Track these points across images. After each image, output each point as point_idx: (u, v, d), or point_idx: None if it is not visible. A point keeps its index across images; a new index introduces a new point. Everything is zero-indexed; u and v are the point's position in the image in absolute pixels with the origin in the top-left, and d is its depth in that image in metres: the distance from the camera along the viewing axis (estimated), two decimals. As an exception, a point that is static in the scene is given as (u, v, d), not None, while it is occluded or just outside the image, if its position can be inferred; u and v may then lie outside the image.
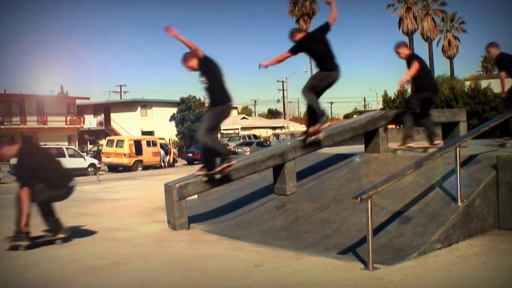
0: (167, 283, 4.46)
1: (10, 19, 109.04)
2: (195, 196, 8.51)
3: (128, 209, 9.40)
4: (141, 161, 29.80)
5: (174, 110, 46.19)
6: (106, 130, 50.42)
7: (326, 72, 6.96)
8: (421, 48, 59.77)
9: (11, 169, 21.34)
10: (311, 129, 7.12)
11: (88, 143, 48.91)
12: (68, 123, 46.97)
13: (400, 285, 4.08)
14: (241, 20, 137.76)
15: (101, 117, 53.09)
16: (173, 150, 33.21)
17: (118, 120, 51.64)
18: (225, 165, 6.59)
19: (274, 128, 62.18)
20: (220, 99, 6.52)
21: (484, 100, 32.23)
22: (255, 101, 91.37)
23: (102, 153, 31.67)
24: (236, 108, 72.52)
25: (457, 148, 5.50)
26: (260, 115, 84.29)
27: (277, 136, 45.26)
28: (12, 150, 6.10)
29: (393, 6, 50.33)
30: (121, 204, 10.32)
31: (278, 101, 77.02)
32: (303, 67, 57.30)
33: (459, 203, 5.34)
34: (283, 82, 65.04)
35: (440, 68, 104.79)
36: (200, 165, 7.16)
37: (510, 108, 7.83)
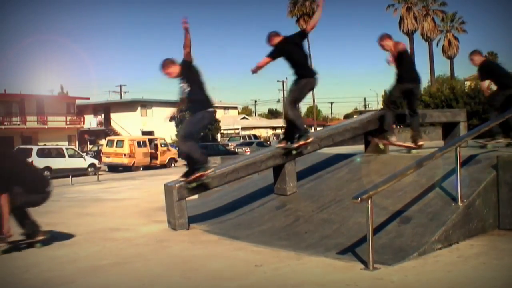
0: (167, 283, 4.46)
1: (10, 19, 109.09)
2: (195, 196, 8.51)
3: (128, 209, 9.40)
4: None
5: (174, 110, 46.06)
6: (106, 130, 50.43)
7: (304, 80, 6.88)
8: (421, 48, 59.86)
9: None
10: (295, 145, 6.97)
11: (88, 143, 48.91)
12: (68, 123, 46.93)
13: (401, 285, 4.08)
14: (241, 20, 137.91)
15: (101, 117, 53.09)
16: (172, 150, 32.69)
17: (118, 120, 51.63)
18: (199, 174, 6.47)
19: (274, 128, 62.24)
20: (201, 105, 6.47)
21: (484, 100, 32.09)
22: (255, 101, 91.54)
23: (102, 153, 31.69)
24: (236, 108, 72.58)
25: (457, 148, 5.50)
26: (260, 115, 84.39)
27: (277, 136, 45.29)
28: None
29: (393, 6, 50.32)
30: (121, 204, 10.32)
31: (278, 101, 77.04)
32: (303, 67, 57.10)
33: (460, 203, 5.33)
34: (283, 82, 64.96)
35: (440, 68, 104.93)
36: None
37: (492, 107, 7.80)
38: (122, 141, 30.87)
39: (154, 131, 47.63)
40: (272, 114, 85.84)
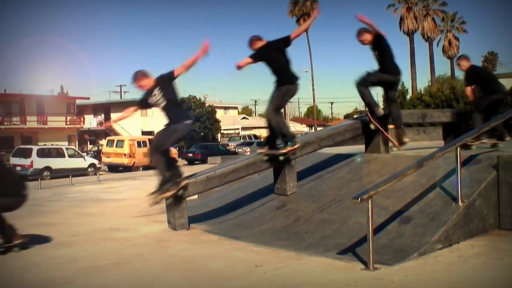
0: (167, 283, 4.46)
1: (10, 19, 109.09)
2: (195, 196, 8.51)
3: (128, 209, 9.40)
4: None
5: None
6: (106, 130, 50.39)
7: (285, 86, 6.74)
8: (421, 48, 59.87)
9: None
10: (283, 150, 6.87)
11: (88, 143, 48.90)
12: (68, 123, 46.96)
13: (401, 285, 4.08)
14: (241, 20, 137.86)
15: (101, 117, 53.05)
16: (173, 150, 32.87)
17: (118, 120, 51.57)
18: (171, 187, 6.40)
19: (274, 128, 62.02)
20: (177, 117, 6.42)
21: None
22: (255, 101, 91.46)
23: (102, 153, 31.72)
24: (236, 108, 72.57)
25: (458, 148, 5.49)
26: (261, 115, 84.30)
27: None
28: None
29: (393, 6, 50.34)
30: (121, 204, 10.33)
31: (278, 101, 76.77)
32: (304, 67, 57.31)
33: (460, 203, 5.33)
34: (283, 82, 64.78)
35: (441, 68, 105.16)
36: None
37: (477, 109, 7.78)
38: (122, 141, 30.89)
39: (154, 131, 47.61)
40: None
